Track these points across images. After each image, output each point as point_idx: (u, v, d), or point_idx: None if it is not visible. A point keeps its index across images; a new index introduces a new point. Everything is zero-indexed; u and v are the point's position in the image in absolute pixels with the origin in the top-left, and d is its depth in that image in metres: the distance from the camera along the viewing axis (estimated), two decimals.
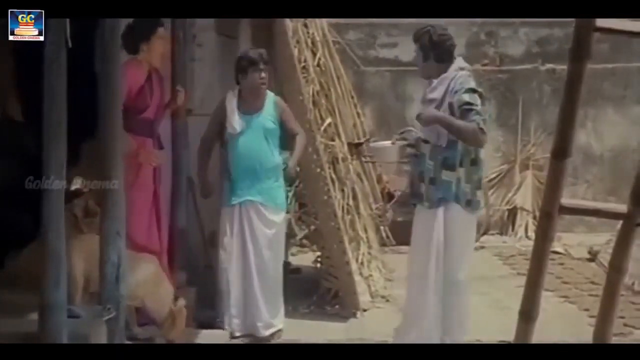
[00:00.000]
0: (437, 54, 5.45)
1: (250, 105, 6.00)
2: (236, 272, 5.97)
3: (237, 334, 5.95)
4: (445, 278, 5.40)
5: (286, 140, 6.14)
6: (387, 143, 5.70)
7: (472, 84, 5.40)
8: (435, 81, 5.45)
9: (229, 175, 6.01)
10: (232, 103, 5.97)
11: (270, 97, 6.10)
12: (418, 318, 5.46)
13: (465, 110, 5.24)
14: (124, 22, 5.01)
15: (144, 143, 5.64)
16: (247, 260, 5.95)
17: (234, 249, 5.96)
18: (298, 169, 7.20)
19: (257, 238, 5.95)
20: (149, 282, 4.95)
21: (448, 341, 5.42)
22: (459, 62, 5.49)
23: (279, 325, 6.02)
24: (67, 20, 3.71)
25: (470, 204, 5.40)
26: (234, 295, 5.96)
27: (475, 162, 5.43)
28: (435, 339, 5.39)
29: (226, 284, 5.98)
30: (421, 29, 5.50)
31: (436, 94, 5.40)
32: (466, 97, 5.28)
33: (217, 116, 6.06)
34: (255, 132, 5.96)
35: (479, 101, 5.32)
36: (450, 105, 5.31)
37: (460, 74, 5.40)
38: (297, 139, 6.12)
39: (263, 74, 5.93)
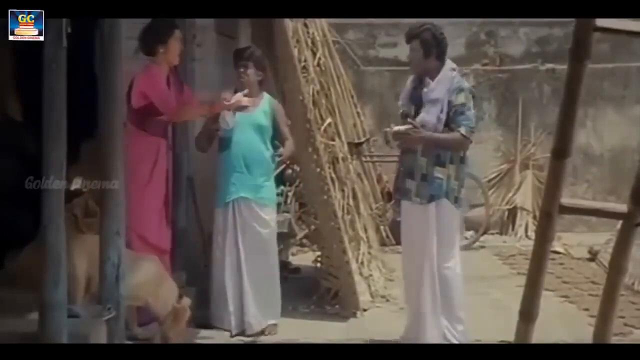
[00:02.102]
0: (438, 52, 5.53)
1: None
2: (230, 271, 6.01)
3: (234, 332, 5.98)
4: (438, 272, 5.48)
5: (277, 142, 6.21)
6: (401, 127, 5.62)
7: (467, 85, 5.59)
8: (431, 82, 5.49)
9: (222, 175, 6.05)
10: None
11: (266, 97, 6.20)
12: (418, 314, 5.49)
13: (458, 112, 5.41)
14: (124, 22, 5.00)
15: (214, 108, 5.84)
16: (239, 258, 6.00)
17: (227, 248, 6.01)
18: (298, 168, 7.21)
19: (249, 236, 6.01)
20: (151, 282, 4.95)
21: (449, 335, 5.46)
22: (450, 63, 5.60)
23: (271, 321, 6.06)
24: (63, 20, 3.71)
25: (457, 201, 5.53)
26: (230, 293, 6.01)
27: (463, 160, 5.59)
28: (435, 334, 5.43)
29: (221, 282, 6.03)
30: (420, 25, 5.55)
31: (436, 94, 5.46)
32: (461, 98, 5.44)
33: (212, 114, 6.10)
34: (249, 128, 6.03)
35: (472, 102, 5.50)
36: (449, 103, 5.44)
37: (454, 74, 5.55)
38: (286, 143, 6.22)
39: (247, 70, 6.02)
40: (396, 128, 5.47)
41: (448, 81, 5.48)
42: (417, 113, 5.51)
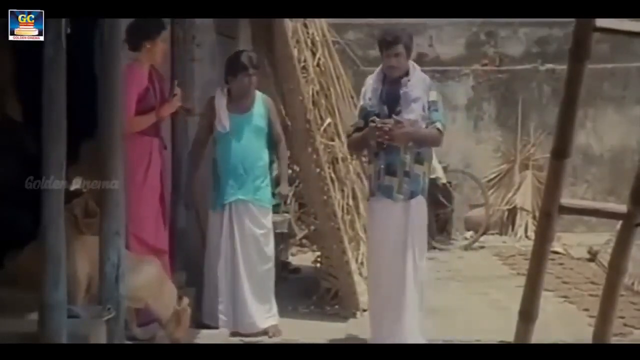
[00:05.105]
0: (411, 52, 5.71)
1: (239, 105, 6.07)
2: (224, 272, 6.02)
3: (225, 330, 5.99)
4: (416, 268, 5.54)
5: (272, 141, 6.22)
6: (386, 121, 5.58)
7: (432, 83, 5.78)
8: (408, 81, 5.56)
9: (218, 178, 6.04)
10: (221, 102, 6.03)
11: (259, 96, 6.17)
12: (398, 315, 5.49)
13: (432, 109, 5.56)
14: (124, 22, 5.00)
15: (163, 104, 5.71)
16: (236, 260, 6.00)
17: (222, 250, 6.01)
18: (297, 169, 7.21)
19: (247, 238, 6.01)
20: (152, 284, 4.96)
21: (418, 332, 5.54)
22: (412, 62, 5.71)
23: (272, 321, 6.06)
24: (63, 20, 3.71)
25: (425, 197, 5.66)
26: (222, 293, 6.01)
27: (432, 158, 5.88)
28: (416, 332, 5.45)
29: (214, 283, 6.03)
30: (395, 29, 5.63)
31: (417, 93, 5.56)
32: (434, 96, 5.61)
33: (206, 116, 6.10)
34: (245, 131, 6.03)
35: (440, 100, 5.69)
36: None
37: (421, 72, 5.69)
38: (280, 152, 6.26)
39: (253, 79, 6.03)
40: (380, 123, 5.45)
41: (422, 79, 5.62)
42: (390, 112, 5.52)
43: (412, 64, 5.67)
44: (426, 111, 5.53)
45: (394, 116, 5.48)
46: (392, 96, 5.58)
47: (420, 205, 5.59)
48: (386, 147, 5.51)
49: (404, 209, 5.53)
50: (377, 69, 5.74)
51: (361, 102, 5.76)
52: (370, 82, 5.70)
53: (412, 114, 5.50)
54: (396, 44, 5.52)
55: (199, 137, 6.17)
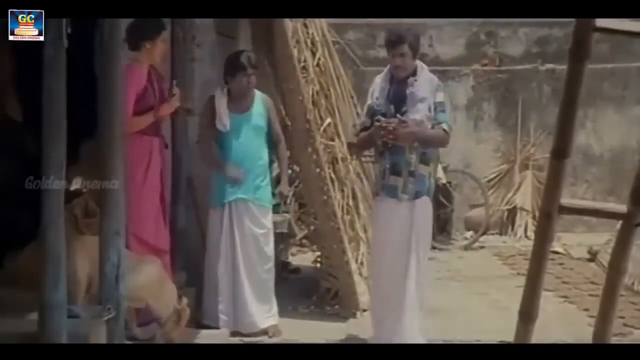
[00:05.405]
0: (418, 52, 5.71)
1: (239, 105, 6.08)
2: (224, 271, 6.02)
3: (226, 330, 5.99)
4: (419, 268, 5.56)
5: (272, 141, 6.23)
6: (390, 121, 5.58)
7: (440, 83, 5.74)
8: (415, 81, 5.56)
9: (218, 176, 6.05)
10: (221, 101, 6.02)
11: (258, 95, 6.18)
12: (399, 315, 5.50)
13: (438, 110, 5.55)
14: (124, 22, 5.00)
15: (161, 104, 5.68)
16: (236, 260, 6.01)
17: (222, 248, 6.01)
18: (297, 169, 7.22)
19: (247, 237, 6.02)
20: (152, 284, 4.96)
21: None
22: (419, 62, 5.71)
23: (272, 321, 6.07)
24: (64, 20, 3.71)
25: (431, 198, 5.67)
26: (222, 293, 6.01)
27: (438, 159, 5.87)
28: (416, 332, 5.45)
29: (216, 282, 6.04)
30: (400, 29, 5.63)
31: (423, 93, 5.56)
32: (440, 97, 5.60)
33: (206, 115, 6.09)
34: (245, 131, 6.04)
35: (447, 99, 5.78)
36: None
37: (429, 72, 5.68)
38: (279, 152, 6.28)
39: (251, 78, 6.03)
40: (385, 122, 5.45)
41: (429, 80, 5.62)
42: (397, 112, 5.53)
43: (420, 64, 5.67)
44: (432, 112, 5.52)
45: (398, 116, 5.48)
46: (398, 96, 5.59)
47: (425, 206, 5.58)
48: (391, 147, 5.53)
49: (408, 209, 5.53)
50: (386, 69, 5.75)
51: (369, 101, 5.77)
52: (378, 82, 5.71)
53: (418, 114, 5.50)
54: (401, 44, 5.52)
55: (204, 137, 6.14)
